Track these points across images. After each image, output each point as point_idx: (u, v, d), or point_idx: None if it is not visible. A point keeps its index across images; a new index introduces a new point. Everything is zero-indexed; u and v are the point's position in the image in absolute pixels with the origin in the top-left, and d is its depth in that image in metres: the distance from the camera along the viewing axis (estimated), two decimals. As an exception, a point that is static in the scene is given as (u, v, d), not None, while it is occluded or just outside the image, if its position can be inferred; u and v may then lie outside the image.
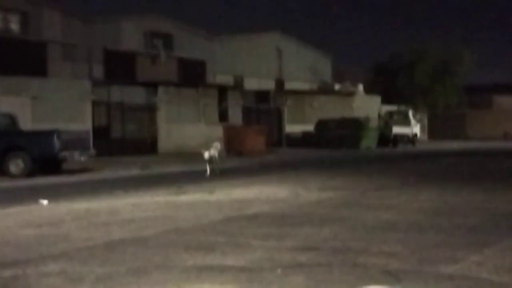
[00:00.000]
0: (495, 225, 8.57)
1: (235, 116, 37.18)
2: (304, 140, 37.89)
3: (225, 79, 42.06)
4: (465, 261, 6.33)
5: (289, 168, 20.84)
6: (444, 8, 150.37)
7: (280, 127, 40.51)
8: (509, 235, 7.67)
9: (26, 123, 23.78)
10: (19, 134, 20.32)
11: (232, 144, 30.65)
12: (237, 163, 24.35)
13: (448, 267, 6.10)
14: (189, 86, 35.70)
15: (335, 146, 34.06)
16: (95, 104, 30.35)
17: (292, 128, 40.11)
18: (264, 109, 39.76)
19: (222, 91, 37.11)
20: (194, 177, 17.62)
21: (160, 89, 33.44)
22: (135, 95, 32.46)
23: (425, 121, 51.83)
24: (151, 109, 32.90)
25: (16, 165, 18.81)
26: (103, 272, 6.09)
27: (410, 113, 44.02)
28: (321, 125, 37.85)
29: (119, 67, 37.68)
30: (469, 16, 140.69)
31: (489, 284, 5.49)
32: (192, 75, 41.05)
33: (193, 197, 12.66)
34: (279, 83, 47.55)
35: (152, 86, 33.50)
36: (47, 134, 19.43)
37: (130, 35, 39.52)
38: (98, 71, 37.19)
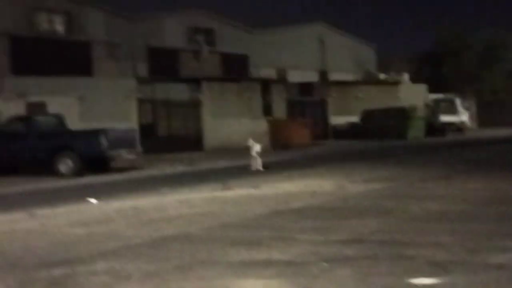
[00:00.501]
0: (546, 213, 8.39)
1: (279, 109, 37.10)
2: (349, 131, 37.62)
3: (268, 72, 42.04)
4: (514, 251, 6.21)
5: (334, 160, 20.73)
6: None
7: (325, 119, 40.29)
8: (560, 223, 7.50)
9: (74, 123, 24.16)
10: (68, 134, 20.68)
11: (277, 138, 30.63)
12: (283, 157, 24.32)
13: (497, 257, 6.01)
14: (233, 81, 35.79)
15: (382, 137, 33.73)
16: (140, 102, 30.68)
17: (337, 119, 39.84)
18: (308, 101, 39.59)
19: (266, 84, 37.07)
20: (240, 173, 17.67)
21: (204, 85, 33.60)
22: (179, 92, 32.67)
23: (474, 109, 50.97)
24: (195, 105, 33.09)
25: (65, 165, 19.16)
26: (150, 269, 6.16)
27: (457, 101, 43.30)
28: (367, 115, 37.52)
29: (163, 64, 38.03)
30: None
31: (540, 274, 5.38)
32: (235, 69, 41.16)
33: (238, 192, 12.70)
34: (323, 75, 47.32)
35: (195, 81, 33.69)
36: (95, 134, 19.73)
37: (172, 32, 39.83)
38: (142, 68, 37.59)
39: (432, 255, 6.19)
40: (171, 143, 31.31)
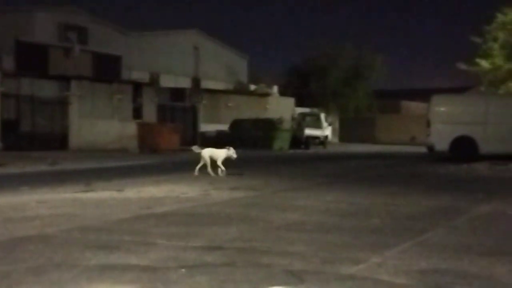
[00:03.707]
0: (396, 227, 8.84)
1: (150, 113, 36.83)
2: (218, 139, 37.90)
3: (140, 75, 41.56)
4: (366, 262, 6.50)
5: (201, 167, 20.76)
6: (357, 14, 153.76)
7: (195, 125, 40.38)
8: (409, 237, 7.93)
9: None
10: None
11: (146, 142, 30.37)
12: (150, 161, 24.13)
13: (349, 268, 6.26)
14: (104, 81, 35.11)
15: (249, 146, 34.21)
16: (3, 96, 29.39)
17: (207, 127, 40.06)
18: (179, 107, 39.55)
19: (137, 87, 36.70)
20: (104, 174, 17.35)
21: (73, 83, 32.74)
22: (47, 89, 31.65)
23: (337, 124, 52.87)
24: (63, 104, 32.16)
25: None
26: (1, 270, 5.91)
27: (322, 116, 44.80)
28: (236, 125, 37.99)
29: (31, 59, 36.61)
30: (381, 24, 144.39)
31: (388, 285, 5.66)
32: (106, 70, 40.37)
33: (101, 194, 12.47)
34: (195, 82, 47.40)
35: (64, 79, 32.75)
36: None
37: (43, 27, 38.47)
38: (9, 62, 36.01)
39: (288, 264, 6.36)
40: (34, 141, 30.25)
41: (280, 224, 8.95)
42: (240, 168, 17.98)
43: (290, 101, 47.78)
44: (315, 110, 47.37)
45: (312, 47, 50.42)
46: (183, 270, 6.03)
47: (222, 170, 16.65)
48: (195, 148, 17.33)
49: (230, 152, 16.93)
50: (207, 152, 17.00)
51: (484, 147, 24.58)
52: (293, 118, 42.98)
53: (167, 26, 50.71)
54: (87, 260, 6.41)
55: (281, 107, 45.03)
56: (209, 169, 16.73)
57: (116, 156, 26.40)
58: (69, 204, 10.84)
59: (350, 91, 50.23)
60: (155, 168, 20.45)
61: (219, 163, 16.76)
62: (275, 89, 49.21)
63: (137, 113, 36.01)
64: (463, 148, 24.59)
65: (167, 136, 30.77)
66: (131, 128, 32.42)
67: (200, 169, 16.78)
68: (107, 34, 41.97)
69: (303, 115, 44.48)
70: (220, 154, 16.96)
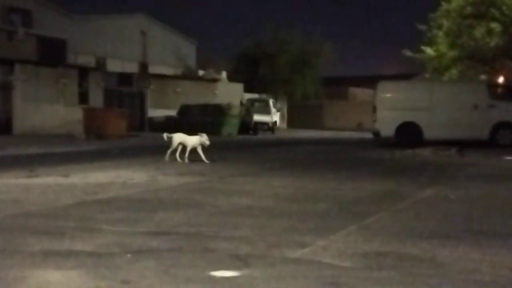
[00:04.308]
0: (342, 211, 8.96)
1: (96, 98, 36.34)
2: (166, 124, 37.66)
3: (86, 59, 40.94)
4: (311, 246, 6.56)
5: (149, 153, 20.66)
6: (306, 1, 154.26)
7: (142, 111, 40.04)
8: (354, 221, 8.04)
9: None
10: None
11: (92, 127, 29.98)
12: (96, 147, 23.85)
13: (295, 252, 6.31)
14: (49, 66, 34.46)
15: (198, 132, 34.09)
16: None
17: (155, 112, 39.76)
18: (126, 92, 39.14)
19: (83, 72, 36.16)
20: (49, 160, 17.07)
21: (17, 67, 32.05)
22: (-11, 73, 30.91)
23: (285, 110, 53.12)
24: (6, 88, 31.45)
25: None
26: None
27: (271, 102, 44.95)
28: (184, 110, 37.82)
29: (-28, 42, 35.67)
30: (329, 11, 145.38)
31: (332, 268, 5.73)
32: (52, 54, 39.57)
33: (46, 180, 12.27)
34: (143, 67, 46.97)
35: (8, 63, 32.02)
36: None
37: (-15, 9, 37.51)
38: None
39: (234, 249, 6.38)
40: (-24, 126, 29.54)
41: (227, 209, 8.97)
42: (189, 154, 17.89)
43: (239, 86, 47.79)
44: (264, 96, 47.53)
45: (261, 33, 50.49)
46: (128, 255, 6.00)
47: (203, 158, 16.29)
48: (165, 135, 16.94)
49: (203, 138, 16.54)
50: (178, 138, 16.69)
51: (429, 133, 25.06)
52: (241, 104, 43.05)
53: (114, 10, 50.06)
54: (31, 246, 6.31)
55: (229, 93, 45.01)
56: (177, 154, 16.47)
57: (62, 142, 25.99)
58: (12, 190, 10.65)
59: (299, 77, 50.51)
60: (101, 154, 20.22)
61: (199, 150, 16.41)
62: (223, 74, 49.13)
63: (83, 98, 35.50)
64: (408, 134, 25.02)
65: (114, 121, 30.43)
66: (77, 113, 31.95)
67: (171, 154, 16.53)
68: (52, 17, 41.18)
69: (252, 101, 44.59)
70: (193, 141, 16.61)
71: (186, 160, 16.41)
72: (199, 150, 16.51)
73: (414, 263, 5.96)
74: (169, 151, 16.66)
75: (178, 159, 16.43)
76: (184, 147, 16.61)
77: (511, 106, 24.85)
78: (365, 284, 5.28)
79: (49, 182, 11.97)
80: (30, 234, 6.91)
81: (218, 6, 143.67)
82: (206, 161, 16.26)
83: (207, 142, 16.57)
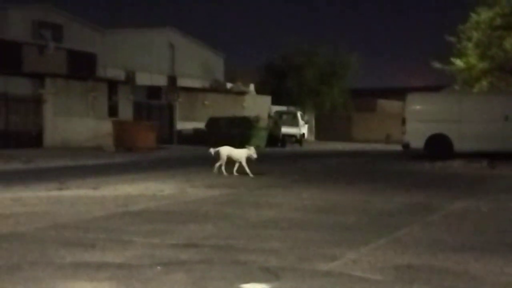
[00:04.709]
0: (371, 224, 8.89)
1: (126, 111, 36.59)
2: (195, 137, 37.81)
3: (116, 73, 41.28)
4: (341, 259, 6.52)
5: (178, 165, 20.76)
6: (333, 12, 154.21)
7: (171, 123, 40.22)
8: (384, 234, 7.98)
9: None
10: None
11: (122, 140, 30.18)
12: (126, 159, 24.00)
13: (325, 264, 6.28)
14: (79, 79, 34.82)
15: (226, 144, 34.14)
16: (-24, 94, 29.04)
17: (184, 125, 39.91)
18: (155, 105, 39.35)
19: (113, 85, 36.44)
20: (79, 173, 17.22)
21: (48, 81, 32.42)
22: (21, 86, 31.30)
23: (313, 122, 52.98)
24: (37, 101, 31.84)
25: None
26: (-26, 269, 5.85)
27: (299, 114, 44.86)
28: (212, 123, 37.89)
29: (5, 57, 36.17)
30: (357, 22, 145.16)
31: (363, 281, 5.68)
32: (81, 67, 40.01)
33: (76, 192, 12.37)
34: (172, 80, 47.22)
35: (39, 77, 32.43)
36: None
37: (17, 24, 38.03)
38: (-18, 60, 35.57)
39: (264, 261, 6.36)
40: (8, 139, 29.91)
41: (256, 222, 8.96)
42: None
43: (267, 99, 47.78)
44: (292, 108, 47.43)
45: (289, 45, 50.47)
46: (159, 267, 6.01)
47: (248, 171, 16.10)
48: (212, 150, 16.84)
49: (251, 151, 16.45)
50: (225, 151, 16.65)
51: (459, 145, 24.80)
52: (269, 116, 43.01)
53: (143, 24, 50.48)
54: (62, 258, 6.35)
55: (257, 105, 45.02)
56: (223, 167, 16.43)
57: (91, 154, 26.21)
58: (43, 202, 10.75)
59: (326, 88, 50.39)
60: (131, 167, 20.34)
61: (244, 163, 16.25)
62: (251, 87, 49.17)
63: (112, 111, 35.76)
64: (438, 146, 24.79)
65: (143, 134, 30.59)
66: (107, 126, 32.19)
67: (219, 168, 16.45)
68: (82, 32, 41.64)
69: (280, 113, 44.53)
70: (241, 154, 16.52)
71: (235, 173, 16.33)
72: (244, 163, 16.34)
73: (446, 277, 5.89)
74: (217, 164, 16.52)
75: (224, 172, 16.37)
76: (232, 160, 16.49)
77: (542, 117, 24.51)
78: (396, 297, 5.23)
79: (79, 194, 12.06)
80: (61, 246, 6.96)
81: (246, 19, 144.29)
82: (251, 175, 16.11)
83: (255, 155, 16.43)
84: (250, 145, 34.72)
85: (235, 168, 16.43)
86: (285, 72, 50.48)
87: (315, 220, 9.17)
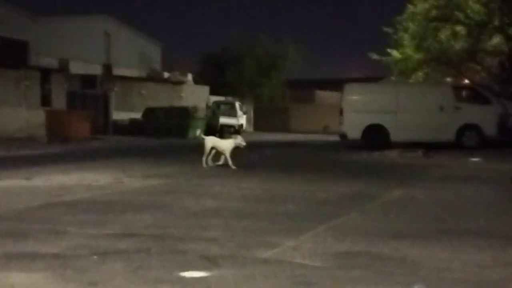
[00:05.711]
0: (311, 212, 8.91)
1: (59, 100, 35.77)
2: (131, 127, 37.27)
3: (49, 61, 40.32)
4: (281, 246, 6.51)
5: (114, 155, 20.41)
6: (274, 4, 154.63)
7: (106, 113, 39.54)
8: (323, 222, 8.00)
9: None
10: None
11: (55, 130, 29.52)
12: (60, 150, 23.47)
13: (264, 252, 6.25)
14: (10, 67, 33.84)
15: (163, 135, 33.82)
16: None
17: (120, 115, 39.30)
18: (90, 94, 38.59)
19: (46, 74, 35.57)
20: (11, 163, 16.74)
21: (-22, 69, 31.43)
22: (-51, 75, 30.27)
23: (251, 113, 53.03)
24: (-34, 90, 30.84)
25: None
26: None
27: (237, 104, 44.83)
28: (149, 113, 37.45)
29: None
30: (296, 14, 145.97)
31: (303, 268, 5.67)
32: (13, 56, 38.87)
33: (8, 182, 12.01)
34: (107, 68, 46.42)
35: (-32, 65, 31.41)
36: None
37: None
38: None
39: (204, 250, 6.28)
40: None
41: (195, 211, 8.86)
42: (153, 157, 17.73)
43: (205, 89, 47.56)
44: (230, 98, 47.35)
45: (229, 36, 50.40)
46: (95, 257, 5.86)
47: (230, 163, 15.41)
48: (199, 134, 16.05)
49: (238, 140, 15.87)
50: (210, 142, 15.96)
51: (395, 135, 25.17)
52: (207, 107, 42.84)
53: (77, 11, 49.53)
54: (-6, 249, 6.13)
55: (195, 96, 44.76)
56: (204, 157, 15.76)
57: (24, 145, 25.53)
58: (-27, 193, 10.39)
59: (265, 80, 50.50)
60: (65, 157, 19.89)
61: (228, 155, 15.52)
62: (189, 77, 48.82)
63: (45, 100, 34.92)
64: (375, 136, 25.10)
65: (77, 124, 30.01)
66: (40, 116, 31.41)
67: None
68: (13, 19, 40.46)
69: (218, 104, 44.40)
70: (227, 145, 15.80)
71: (212, 163, 15.74)
72: (228, 155, 15.59)
73: (385, 263, 5.93)
74: (204, 158, 15.87)
75: (209, 163, 15.72)
76: (218, 151, 15.83)
77: (476, 108, 25.09)
78: (336, 283, 5.23)
79: (11, 184, 11.71)
80: (-7, 236, 6.72)
81: (185, 9, 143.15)
82: (233, 166, 15.43)
83: (243, 143, 15.85)
84: (188, 135, 34.60)
85: (227, 159, 15.59)
86: (224, 63, 50.37)
87: (254, 209, 9.13)
